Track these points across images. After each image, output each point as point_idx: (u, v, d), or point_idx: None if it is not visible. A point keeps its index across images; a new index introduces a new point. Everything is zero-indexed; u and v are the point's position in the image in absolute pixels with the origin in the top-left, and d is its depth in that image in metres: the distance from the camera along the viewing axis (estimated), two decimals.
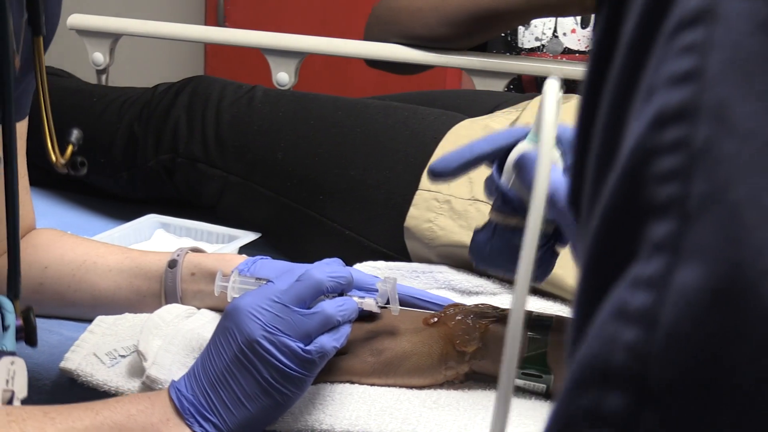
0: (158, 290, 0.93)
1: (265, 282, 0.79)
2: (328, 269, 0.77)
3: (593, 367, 0.22)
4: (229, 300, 0.80)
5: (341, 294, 0.79)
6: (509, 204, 0.75)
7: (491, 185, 0.78)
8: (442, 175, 0.76)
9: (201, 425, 0.73)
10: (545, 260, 0.79)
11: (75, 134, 0.79)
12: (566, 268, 0.99)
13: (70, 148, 0.78)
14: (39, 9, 0.73)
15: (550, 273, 0.80)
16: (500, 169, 0.76)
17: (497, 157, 0.77)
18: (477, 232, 0.79)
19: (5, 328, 0.71)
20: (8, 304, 0.72)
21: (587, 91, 0.30)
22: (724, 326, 0.20)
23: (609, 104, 0.27)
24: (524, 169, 0.71)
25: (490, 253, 0.78)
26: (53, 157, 0.76)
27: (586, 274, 0.25)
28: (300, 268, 0.79)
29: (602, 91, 0.28)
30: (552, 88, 0.62)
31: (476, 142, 0.76)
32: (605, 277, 0.24)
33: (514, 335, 0.40)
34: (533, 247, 0.51)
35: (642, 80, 0.25)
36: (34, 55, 0.73)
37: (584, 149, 0.29)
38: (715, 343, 0.20)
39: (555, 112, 0.59)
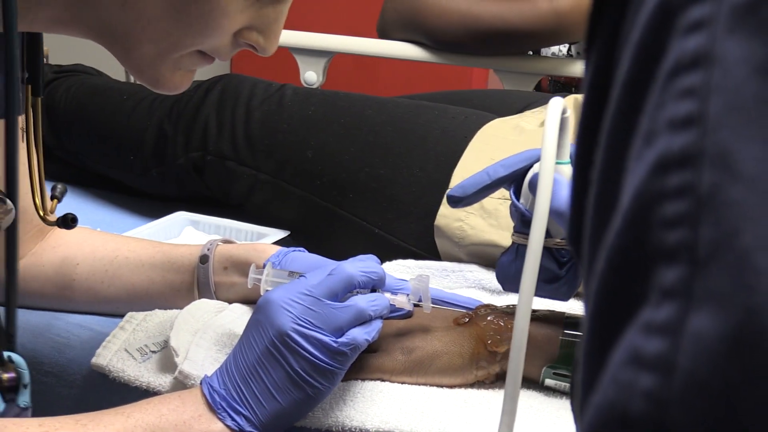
0: (191, 283, 0.93)
1: (298, 276, 0.80)
2: (360, 264, 0.78)
3: (611, 413, 0.22)
4: (261, 293, 0.80)
5: (373, 290, 0.79)
6: (528, 225, 0.76)
7: (511, 208, 0.80)
8: (460, 201, 0.79)
9: (232, 418, 0.73)
10: (570, 278, 0.80)
11: (59, 188, 0.81)
12: None
13: (54, 203, 0.80)
14: (41, 70, 0.75)
15: (577, 290, 0.81)
16: (518, 191, 0.78)
17: (514, 180, 0.79)
18: (502, 255, 0.82)
19: (25, 386, 0.72)
20: (22, 362, 0.73)
21: (582, 133, 0.30)
22: (741, 373, 0.21)
23: (606, 146, 0.27)
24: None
25: (515, 274, 0.81)
26: (41, 213, 0.78)
27: (594, 317, 0.25)
28: (332, 263, 0.80)
29: (598, 133, 0.28)
30: (555, 108, 0.65)
31: (492, 167, 0.79)
32: (614, 322, 0.24)
33: (518, 352, 0.40)
34: (536, 265, 0.52)
35: (640, 123, 0.25)
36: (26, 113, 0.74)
37: (582, 191, 0.29)
38: (733, 389, 0.21)
39: (557, 131, 0.63)
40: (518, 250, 0.80)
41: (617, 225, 0.24)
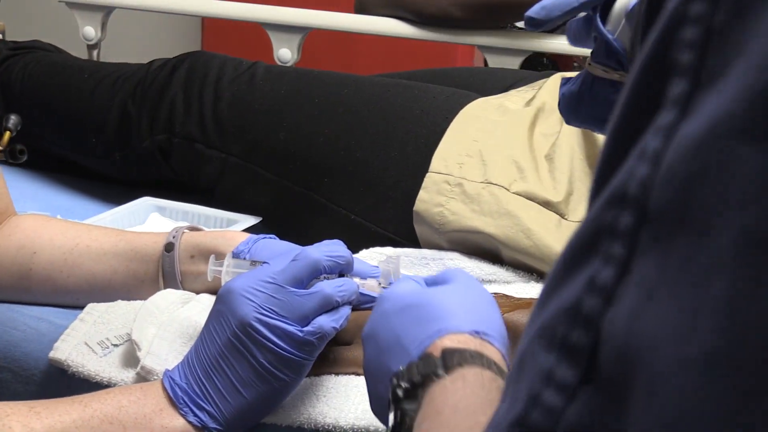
0: (156, 274, 0.93)
1: (260, 264, 0.79)
2: (325, 249, 0.77)
3: (619, 191, 0.29)
4: (222, 284, 0.80)
5: (341, 275, 0.79)
6: (614, 56, 0.72)
7: (582, 31, 0.74)
8: (542, 23, 0.73)
9: (195, 414, 0.73)
10: None
11: (12, 120, 0.79)
12: None
13: (7, 135, 0.78)
14: None
15: None
16: (603, 16, 0.73)
17: (601, 2, 0.73)
18: (568, 83, 0.77)
19: None
20: None
21: None
22: (702, 169, 0.26)
23: None
24: None
25: (585, 107, 0.75)
26: None
27: (620, 120, 0.31)
28: (299, 249, 0.79)
29: None
30: None
31: None
32: (638, 124, 0.30)
33: None
34: None
35: None
36: None
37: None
38: (694, 181, 0.27)
39: None
40: (594, 82, 0.75)
41: (651, 40, 0.30)
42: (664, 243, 0.27)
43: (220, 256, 0.84)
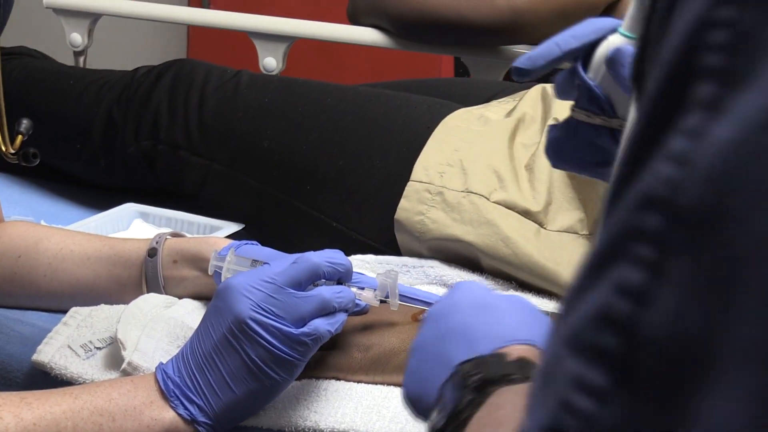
0: (139, 279, 0.94)
1: (261, 264, 0.81)
2: (326, 255, 0.79)
3: (644, 194, 0.29)
4: (222, 280, 0.81)
5: (339, 283, 0.80)
6: (595, 102, 0.76)
7: (567, 84, 0.78)
8: (528, 73, 0.77)
9: (185, 407, 0.74)
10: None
11: (24, 124, 0.80)
12: (561, 265, 1.00)
13: (19, 139, 0.80)
14: None
15: None
16: (584, 64, 0.76)
17: (583, 52, 0.77)
18: (554, 129, 0.79)
19: None
20: None
21: None
22: (741, 170, 0.27)
23: None
24: (619, 64, 0.72)
25: (570, 152, 0.78)
26: (3, 148, 0.77)
27: (647, 119, 0.31)
28: (288, 256, 0.81)
29: None
30: None
31: (562, 37, 0.77)
32: (663, 124, 0.30)
33: None
34: None
35: None
36: None
37: (648, 29, 0.35)
38: (730, 178, 0.27)
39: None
40: (578, 128, 0.78)
41: (673, 45, 0.30)
42: (700, 242, 0.27)
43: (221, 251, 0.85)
